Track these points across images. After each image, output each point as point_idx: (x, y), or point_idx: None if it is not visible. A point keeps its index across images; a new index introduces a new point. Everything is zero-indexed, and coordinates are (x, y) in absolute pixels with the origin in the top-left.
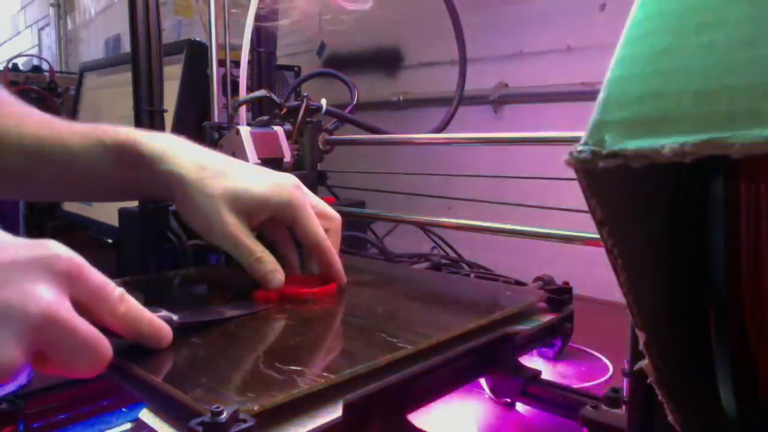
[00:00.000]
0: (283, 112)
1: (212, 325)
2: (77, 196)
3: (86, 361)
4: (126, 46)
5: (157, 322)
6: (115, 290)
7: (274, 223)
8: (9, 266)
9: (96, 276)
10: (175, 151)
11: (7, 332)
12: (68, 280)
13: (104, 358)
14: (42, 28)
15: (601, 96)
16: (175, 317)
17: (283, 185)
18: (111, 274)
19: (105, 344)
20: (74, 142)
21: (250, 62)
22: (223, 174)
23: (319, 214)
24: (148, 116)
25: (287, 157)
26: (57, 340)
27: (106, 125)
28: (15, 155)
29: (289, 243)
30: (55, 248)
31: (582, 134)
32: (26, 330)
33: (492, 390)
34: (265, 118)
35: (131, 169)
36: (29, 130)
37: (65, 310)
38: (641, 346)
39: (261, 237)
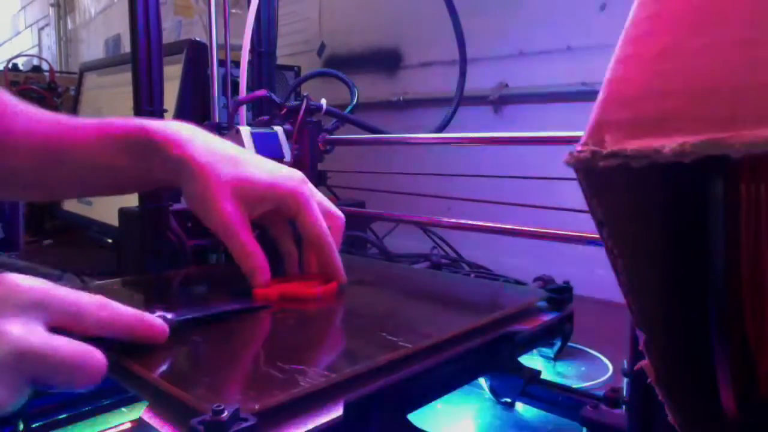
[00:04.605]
0: (283, 112)
1: (211, 322)
2: (89, 192)
3: (81, 376)
4: (126, 46)
5: (147, 317)
6: (92, 300)
7: (277, 217)
8: None
9: (66, 294)
10: (187, 136)
11: None
12: (36, 309)
13: (98, 367)
14: (42, 28)
15: (601, 96)
16: (169, 315)
17: (290, 178)
18: (111, 274)
19: (94, 354)
20: (83, 138)
21: (250, 62)
22: (232, 161)
23: (323, 212)
24: (148, 116)
25: (287, 157)
26: (41, 368)
27: (113, 118)
28: (24, 155)
29: (291, 240)
30: (15, 281)
31: (582, 134)
32: (4, 369)
33: (492, 390)
34: (265, 118)
35: (143, 158)
36: (37, 129)
37: (37, 338)
38: (641, 346)
39: (264, 233)
